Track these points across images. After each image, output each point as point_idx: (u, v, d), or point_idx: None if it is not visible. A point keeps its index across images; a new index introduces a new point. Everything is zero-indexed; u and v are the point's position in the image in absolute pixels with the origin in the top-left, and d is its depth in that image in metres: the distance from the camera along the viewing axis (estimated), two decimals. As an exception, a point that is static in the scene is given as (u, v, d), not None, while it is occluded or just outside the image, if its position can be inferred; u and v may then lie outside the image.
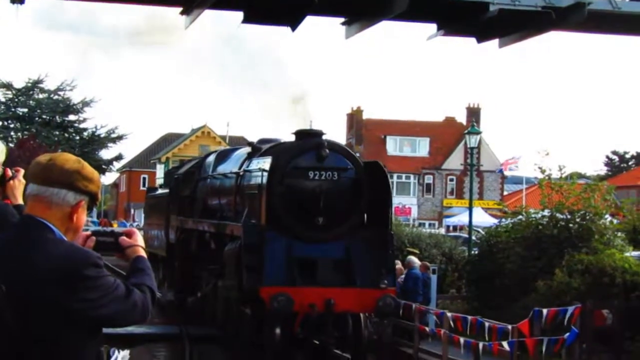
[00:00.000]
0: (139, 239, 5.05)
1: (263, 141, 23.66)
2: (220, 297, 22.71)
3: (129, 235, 5.00)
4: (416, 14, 17.14)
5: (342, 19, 17.83)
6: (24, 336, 4.41)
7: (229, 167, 24.82)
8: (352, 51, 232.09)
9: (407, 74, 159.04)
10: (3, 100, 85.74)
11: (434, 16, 17.46)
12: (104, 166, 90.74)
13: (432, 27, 18.10)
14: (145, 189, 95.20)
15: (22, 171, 5.53)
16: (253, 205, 20.72)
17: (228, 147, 28.62)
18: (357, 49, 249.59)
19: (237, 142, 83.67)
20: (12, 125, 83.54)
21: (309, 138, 20.67)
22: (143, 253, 5.02)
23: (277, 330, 18.75)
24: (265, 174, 19.72)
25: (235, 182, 23.08)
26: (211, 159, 28.03)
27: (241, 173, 22.75)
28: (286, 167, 19.95)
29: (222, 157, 27.04)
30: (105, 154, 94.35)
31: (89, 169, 4.72)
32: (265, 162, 19.98)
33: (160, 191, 39.47)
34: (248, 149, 23.98)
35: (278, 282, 18.78)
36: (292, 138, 23.51)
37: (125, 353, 4.85)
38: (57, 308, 4.41)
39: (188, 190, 29.22)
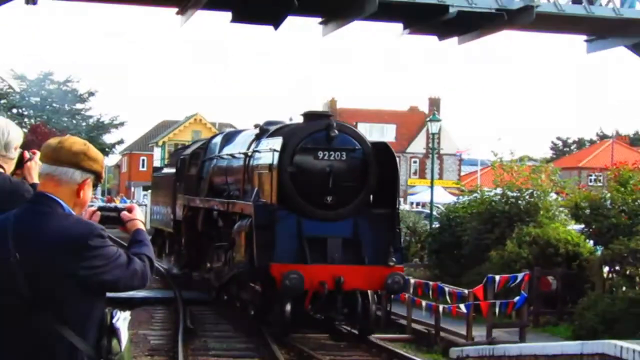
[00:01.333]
0: (139, 214, 5.10)
1: (269, 123, 22.36)
2: (228, 272, 21.21)
3: (130, 210, 5.04)
4: (385, 15, 17.13)
5: (320, 19, 17.77)
6: (35, 300, 4.46)
7: (237, 148, 23.29)
8: (328, 47, 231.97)
9: (377, 68, 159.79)
10: (18, 90, 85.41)
11: (401, 17, 17.44)
12: (107, 149, 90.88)
13: (399, 27, 18.07)
14: (144, 169, 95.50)
15: (38, 153, 5.48)
16: (263, 184, 19.53)
17: (234, 129, 26.87)
18: (332, 45, 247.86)
19: (225, 128, 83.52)
20: (25, 113, 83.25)
21: (317, 119, 19.38)
22: (142, 226, 5.05)
23: (288, 307, 17.59)
24: (276, 154, 18.43)
25: (244, 162, 21.52)
26: (217, 140, 26.70)
27: (249, 154, 21.29)
28: (296, 147, 18.62)
29: (228, 138, 25.57)
30: (109, 138, 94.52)
31: (93, 151, 4.78)
32: (276, 143, 18.76)
33: (165, 171, 37.78)
34: (255, 131, 22.49)
35: (289, 260, 17.68)
36: (294, 121, 23.17)
37: (127, 314, 4.84)
38: (65, 274, 4.46)
39: (194, 170, 27.35)
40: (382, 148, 19.70)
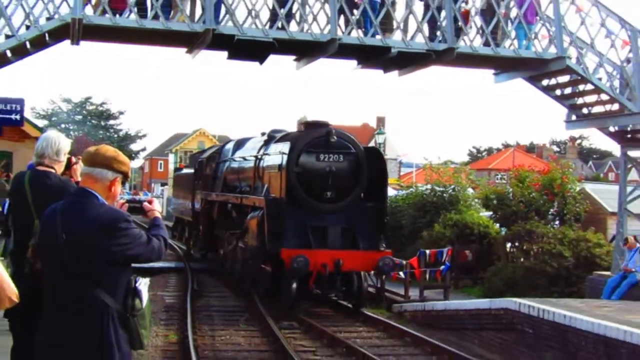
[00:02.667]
0: (156, 205, 5.31)
1: (275, 131, 21.27)
2: (240, 255, 20.11)
3: (150, 202, 5.27)
4: (343, 54, 17.07)
5: (294, 57, 17.73)
6: (78, 270, 4.61)
7: (247, 152, 22.07)
8: (301, 77, 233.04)
9: (337, 93, 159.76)
10: (65, 110, 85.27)
11: (355, 55, 17.40)
12: (133, 155, 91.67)
13: (354, 63, 18.06)
14: (161, 170, 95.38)
15: (80, 159, 5.52)
16: (272, 182, 18.45)
17: (244, 137, 24.95)
18: (304, 76, 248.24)
19: (224, 139, 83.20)
20: (71, 128, 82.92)
21: (317, 127, 18.23)
22: (159, 214, 5.23)
23: (294, 285, 16.78)
24: (285, 156, 17.48)
25: (255, 164, 20.33)
26: (229, 146, 25.38)
27: (259, 156, 20.18)
28: (301, 150, 17.50)
29: (239, 144, 24.13)
30: (134, 146, 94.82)
31: (122, 156, 4.96)
32: (284, 147, 17.77)
33: (185, 171, 36.34)
34: (264, 138, 21.35)
35: (295, 246, 16.83)
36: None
37: (147, 280, 4.91)
38: (100, 250, 4.60)
39: (210, 171, 26.22)
40: (373, 152, 18.98)
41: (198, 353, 13.62)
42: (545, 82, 18.75)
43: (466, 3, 16.99)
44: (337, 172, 17.46)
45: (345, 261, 16.61)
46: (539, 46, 17.22)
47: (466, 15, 17.12)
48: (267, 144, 20.18)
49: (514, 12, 17.09)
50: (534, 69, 17.92)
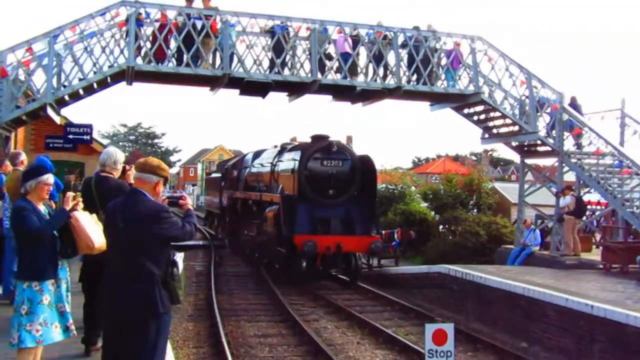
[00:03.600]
0: (189, 200, 5.21)
1: (286, 144, 20.27)
2: (260, 240, 19.02)
3: (184, 198, 5.16)
4: (321, 91, 17.04)
5: (287, 93, 17.68)
6: (132, 247, 4.63)
7: (264, 160, 20.97)
8: (292, 108, 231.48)
9: (315, 120, 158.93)
10: (122, 132, 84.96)
11: (330, 92, 17.36)
12: (171, 164, 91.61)
13: (329, 97, 17.99)
14: (192, 175, 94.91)
15: (133, 167, 5.56)
16: (286, 182, 17.49)
17: (260, 149, 23.73)
18: (295, 107, 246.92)
19: (238, 152, 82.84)
20: (126, 145, 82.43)
21: (321, 139, 17.24)
22: (190, 207, 5.13)
23: (303, 264, 15.80)
24: (296, 162, 16.74)
25: (270, 169, 19.26)
26: (249, 156, 23.99)
27: (274, 163, 19.19)
28: (309, 157, 16.65)
29: (257, 154, 22.80)
30: (172, 158, 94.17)
31: (163, 165, 4.96)
32: (296, 155, 17.07)
33: (213, 175, 35.12)
34: (277, 149, 20.32)
35: (305, 232, 15.94)
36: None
37: (182, 254, 4.92)
38: (149, 233, 4.62)
39: (234, 175, 24.94)
40: (365, 159, 17.63)
41: (219, 306, 13.62)
42: (466, 111, 18.81)
43: (410, 55, 16.99)
44: (337, 174, 16.78)
45: (345, 244, 15.87)
46: (462, 85, 17.27)
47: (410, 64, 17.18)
48: (280, 153, 19.33)
49: (444, 61, 17.14)
50: (458, 101, 17.97)
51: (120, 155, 7.19)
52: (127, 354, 4.54)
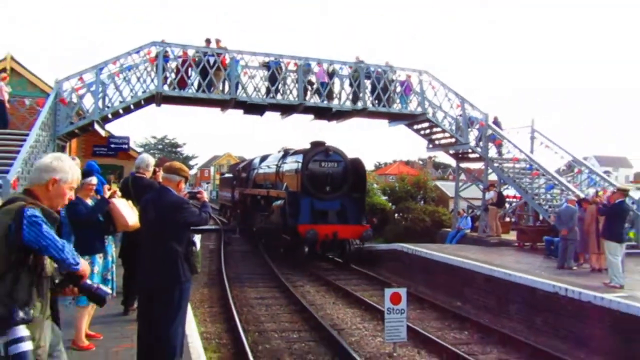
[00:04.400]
0: (205, 194, 5.18)
1: (288, 149, 18.94)
2: (268, 229, 17.77)
3: (200, 193, 5.15)
4: (306, 112, 16.99)
5: (280, 113, 17.60)
6: (162, 232, 4.56)
7: (270, 162, 19.76)
8: (283, 124, 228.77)
9: (301, 133, 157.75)
10: (153, 142, 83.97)
11: (312, 112, 17.30)
12: (190, 167, 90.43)
13: (311, 116, 17.90)
14: (207, 176, 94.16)
15: (161, 169, 5.52)
16: (290, 181, 16.38)
17: (266, 154, 22.27)
18: (285, 122, 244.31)
19: (242, 158, 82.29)
20: (156, 153, 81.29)
21: (319, 145, 16.07)
22: (206, 199, 5.07)
23: (306, 249, 14.87)
24: (300, 164, 15.72)
25: (276, 170, 18.07)
26: (257, 159, 22.63)
27: (279, 164, 17.99)
28: (309, 160, 15.65)
29: (264, 158, 21.54)
30: (191, 162, 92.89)
31: (185, 167, 4.90)
32: (299, 157, 16.05)
33: (227, 175, 33.40)
34: (281, 153, 18.96)
35: (307, 222, 15.02)
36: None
37: (199, 236, 4.87)
38: (173, 219, 4.56)
39: (244, 175, 23.51)
40: (357, 161, 16.39)
41: (228, 274, 13.54)
42: (415, 126, 18.85)
43: (372, 84, 17.00)
44: (333, 174, 15.76)
45: (340, 232, 14.97)
46: (412, 107, 17.33)
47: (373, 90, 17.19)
48: (284, 157, 18.12)
49: (398, 89, 17.21)
50: (409, 120, 18.03)
51: (151, 160, 7.14)
52: (157, 313, 4.51)
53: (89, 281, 3.16)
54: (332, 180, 15.76)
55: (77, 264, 2.96)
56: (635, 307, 7.74)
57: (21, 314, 2.75)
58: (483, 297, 11.11)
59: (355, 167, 16.22)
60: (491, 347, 8.36)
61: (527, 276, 10.07)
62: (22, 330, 2.76)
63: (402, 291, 7.78)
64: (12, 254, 2.76)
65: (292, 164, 16.81)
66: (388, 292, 7.74)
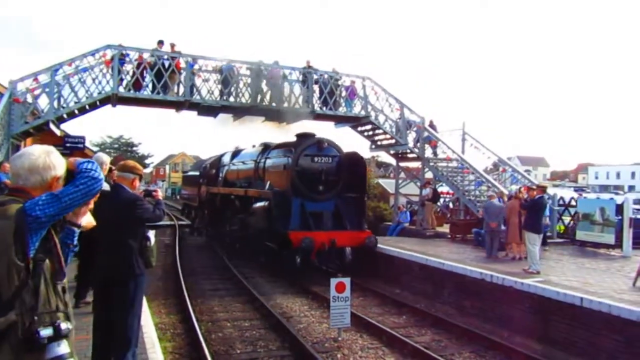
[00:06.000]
0: (160, 193, 5.07)
1: (264, 143, 16.11)
2: (246, 234, 14.51)
3: (156, 191, 5.03)
4: (258, 114, 16.85)
5: (232, 115, 17.34)
6: (117, 227, 4.47)
7: (246, 158, 16.71)
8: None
9: (252, 135, 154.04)
10: (109, 142, 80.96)
11: (264, 114, 17.18)
12: (146, 166, 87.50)
13: (262, 118, 17.69)
14: (162, 174, 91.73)
15: (115, 169, 5.38)
16: (276, 178, 13.42)
17: (238, 149, 18.97)
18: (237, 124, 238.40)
19: (197, 158, 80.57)
20: (112, 151, 78.26)
21: (308, 137, 13.49)
22: (160, 197, 4.96)
23: (298, 260, 11.77)
24: (289, 158, 12.86)
25: (255, 166, 15.07)
26: (227, 155, 19.28)
27: (259, 160, 15.02)
28: (300, 154, 12.86)
29: (236, 153, 18.42)
30: (147, 161, 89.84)
31: (138, 166, 4.81)
32: (287, 152, 13.29)
33: (191, 173, 28.50)
34: (260, 147, 16.06)
35: (298, 228, 12.29)
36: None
37: (153, 231, 4.78)
38: (129, 215, 4.50)
39: (213, 172, 20.24)
40: (354, 156, 13.75)
41: (183, 267, 13.31)
42: (359, 128, 19.05)
43: (320, 90, 17.08)
44: (327, 170, 13.01)
45: (339, 239, 12.10)
46: (356, 110, 17.54)
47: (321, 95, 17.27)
48: (265, 151, 15.22)
49: (344, 94, 17.36)
50: (354, 122, 18.22)
51: (105, 159, 6.94)
52: (113, 305, 4.42)
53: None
54: (325, 177, 13.06)
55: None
56: (549, 290, 8.18)
57: (64, 326, 2.16)
58: (420, 284, 11.35)
59: (351, 163, 13.56)
60: (426, 330, 8.62)
61: (458, 265, 10.39)
62: (64, 347, 2.16)
63: (347, 280, 7.89)
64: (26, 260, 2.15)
65: (278, 159, 13.93)
66: (333, 281, 7.84)
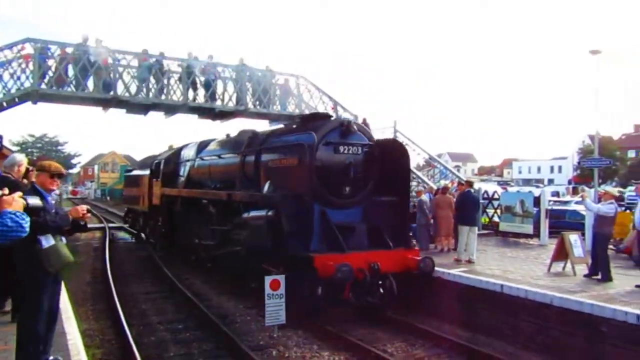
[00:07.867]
0: (83, 207, 4.65)
1: (245, 131, 12.03)
2: (234, 254, 10.11)
3: (88, 211, 4.69)
4: (190, 112, 16.55)
5: (163, 112, 16.93)
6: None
7: (224, 150, 12.02)
8: (167, 123, 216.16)
9: (189, 133, 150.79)
10: (31, 141, 76.08)
11: (196, 112, 16.89)
12: (73, 166, 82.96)
13: (195, 116, 17.35)
14: (90, 174, 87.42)
15: (34, 170, 5.11)
16: (284, 177, 9.01)
17: (204, 140, 14.00)
18: (169, 122, 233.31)
19: (129, 157, 77.60)
20: (34, 151, 73.42)
21: (325, 119, 9.64)
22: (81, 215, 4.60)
23: (319, 290, 7.83)
24: (306, 147, 8.39)
25: (242, 160, 10.53)
26: (189, 149, 14.53)
27: (245, 152, 10.55)
28: (320, 142, 8.68)
29: (203, 146, 13.60)
30: (74, 161, 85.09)
31: (55, 164, 4.60)
32: (302, 137, 8.83)
33: (136, 172, 21.11)
34: (247, 135, 11.24)
35: (326, 249, 8.32)
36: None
37: (48, 235, 4.28)
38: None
39: (170, 169, 15.25)
40: (392, 144, 9.95)
41: (113, 267, 12.83)
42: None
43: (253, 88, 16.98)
44: (355, 164, 9.00)
45: (383, 264, 8.23)
46: (290, 109, 17.60)
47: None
48: (254, 139, 10.87)
49: (278, 92, 17.38)
50: (288, 120, 18.24)
51: (18, 159, 6.58)
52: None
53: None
54: (354, 174, 9.06)
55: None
56: (473, 279, 8.60)
57: None
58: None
59: (387, 155, 9.51)
60: (361, 323, 8.78)
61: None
62: None
63: (282, 278, 7.90)
64: None
65: (283, 149, 9.47)
66: (268, 279, 7.82)
